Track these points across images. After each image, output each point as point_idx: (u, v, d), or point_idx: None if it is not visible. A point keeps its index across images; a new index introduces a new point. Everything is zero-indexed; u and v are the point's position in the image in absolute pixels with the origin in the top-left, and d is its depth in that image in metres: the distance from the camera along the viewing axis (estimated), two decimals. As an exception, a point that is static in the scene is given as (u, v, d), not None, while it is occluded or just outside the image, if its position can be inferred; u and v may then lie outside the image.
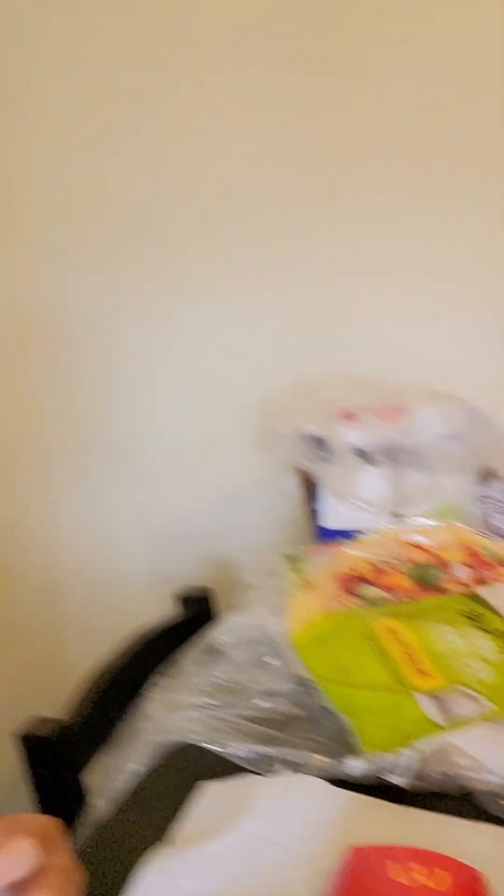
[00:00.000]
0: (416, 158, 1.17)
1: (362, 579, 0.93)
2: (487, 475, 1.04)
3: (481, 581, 0.91)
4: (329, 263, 1.23)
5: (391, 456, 1.02)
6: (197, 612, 1.11)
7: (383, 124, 1.17)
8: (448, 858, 0.49)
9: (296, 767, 0.67)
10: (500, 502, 0.99)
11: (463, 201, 1.17)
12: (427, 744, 0.64)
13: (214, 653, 0.91)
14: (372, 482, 1.02)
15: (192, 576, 1.24)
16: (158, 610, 1.09)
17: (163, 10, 1.21)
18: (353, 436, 1.02)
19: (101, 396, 1.37)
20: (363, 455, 1.02)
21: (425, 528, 0.98)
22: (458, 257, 1.19)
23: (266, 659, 0.85)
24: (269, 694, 0.80)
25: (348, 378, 1.13)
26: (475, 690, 0.71)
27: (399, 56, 1.14)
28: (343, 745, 0.69)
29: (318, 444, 1.06)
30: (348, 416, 1.04)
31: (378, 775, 0.64)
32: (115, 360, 1.35)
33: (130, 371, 1.34)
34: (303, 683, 0.79)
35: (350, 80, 1.16)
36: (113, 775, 0.74)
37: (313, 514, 1.09)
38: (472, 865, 0.56)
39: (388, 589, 0.91)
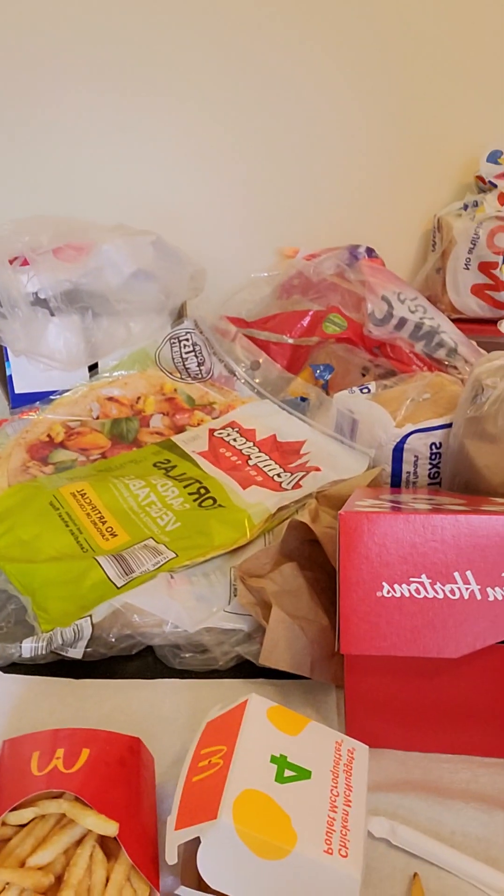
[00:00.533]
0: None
1: (55, 444, 0.86)
2: (180, 314, 0.98)
3: (178, 428, 0.87)
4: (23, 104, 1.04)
5: (75, 302, 0.92)
6: None
7: None
8: (96, 734, 0.46)
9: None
10: (191, 342, 0.94)
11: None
12: (101, 609, 0.60)
13: None
14: (57, 334, 0.91)
15: None
16: None
17: None
18: (28, 283, 0.90)
19: None
20: (43, 304, 0.91)
21: (119, 379, 0.92)
22: (155, 97, 1.06)
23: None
24: None
25: (23, 219, 0.99)
26: (159, 542, 0.67)
27: None
28: (24, 627, 0.63)
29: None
30: (21, 261, 0.91)
31: (54, 652, 0.59)
32: None
33: None
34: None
35: None
36: None
37: (9, 380, 0.98)
38: (149, 724, 0.54)
39: (82, 450, 0.85)
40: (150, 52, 1.05)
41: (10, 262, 0.90)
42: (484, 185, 1.09)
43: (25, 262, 0.91)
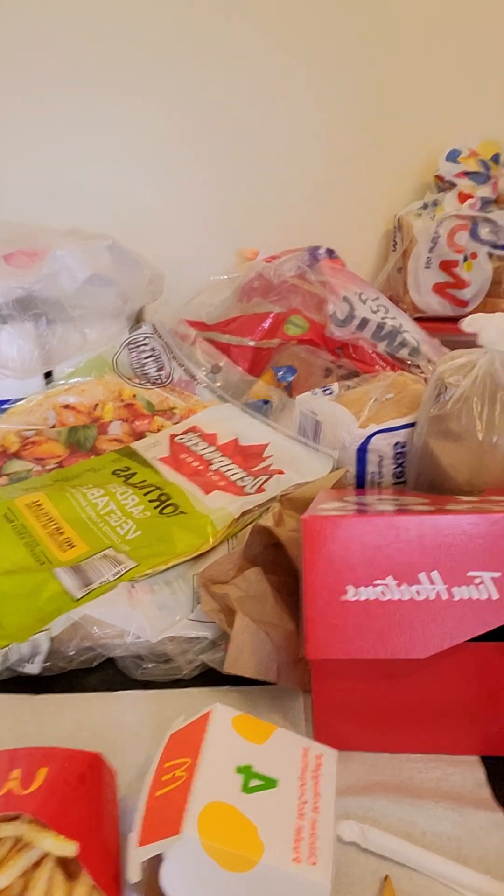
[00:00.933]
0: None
1: (9, 454, 0.84)
2: (138, 319, 0.98)
3: (138, 434, 0.86)
4: None
5: (28, 309, 0.90)
6: None
7: None
8: (54, 752, 0.44)
9: None
10: (150, 347, 0.93)
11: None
12: (59, 622, 0.59)
13: None
14: (10, 342, 0.90)
15: None
16: None
17: None
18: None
19: None
20: (-5, 312, 0.89)
21: (76, 386, 0.91)
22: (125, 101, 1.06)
23: None
24: None
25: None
26: (119, 551, 0.67)
27: None
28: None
29: None
30: (-29, 268, 0.90)
31: (12, 668, 0.58)
32: None
33: None
34: None
35: None
36: None
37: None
38: (112, 738, 0.53)
39: (37, 460, 0.83)
40: (107, 51, 1.05)
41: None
42: (443, 185, 1.11)
43: (-24, 269, 0.90)
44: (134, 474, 0.78)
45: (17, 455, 0.84)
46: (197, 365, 0.94)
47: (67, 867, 0.40)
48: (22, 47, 1.03)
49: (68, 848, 0.38)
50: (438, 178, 1.11)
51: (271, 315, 0.97)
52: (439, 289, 1.07)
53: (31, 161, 1.09)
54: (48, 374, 0.92)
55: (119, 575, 0.63)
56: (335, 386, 0.80)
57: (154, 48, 1.06)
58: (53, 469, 0.81)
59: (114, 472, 0.79)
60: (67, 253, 0.92)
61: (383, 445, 0.73)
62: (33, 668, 0.58)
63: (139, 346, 0.94)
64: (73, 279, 0.92)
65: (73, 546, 0.68)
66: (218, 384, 0.92)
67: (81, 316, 0.92)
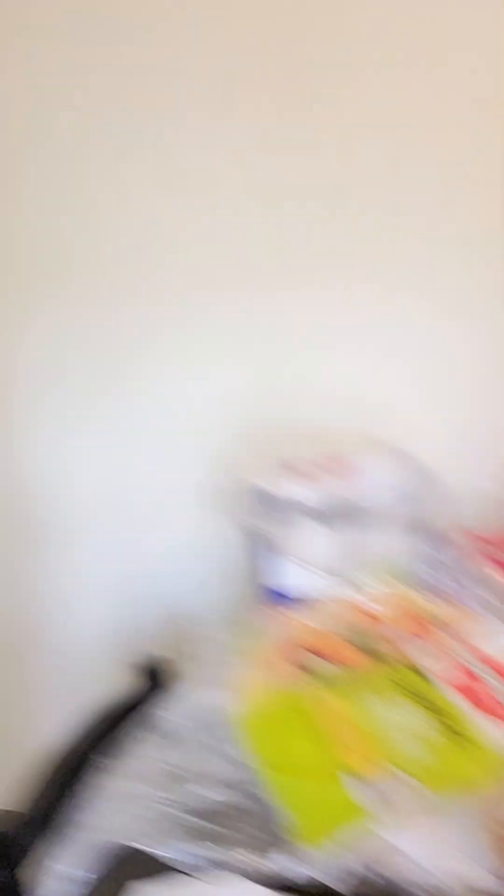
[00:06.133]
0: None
1: (311, 651, 0.95)
2: (434, 536, 1.07)
3: (429, 651, 0.93)
4: (274, 309, 1.25)
5: (340, 514, 1.04)
6: (153, 682, 1.11)
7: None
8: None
9: (230, 868, 0.67)
10: (441, 562, 1.02)
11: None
12: (367, 843, 0.65)
13: (161, 733, 0.91)
14: (319, 542, 1.03)
15: (140, 641, 1.24)
16: (108, 677, 1.08)
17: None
18: (300, 492, 1.04)
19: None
20: (311, 513, 1.04)
21: (374, 595, 1.01)
22: (410, 307, 1.22)
23: (212, 742, 0.86)
24: (215, 782, 0.80)
25: (294, 428, 1.14)
26: (413, 775, 0.72)
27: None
28: (284, 840, 0.69)
29: (265, 499, 1.08)
30: (296, 471, 1.06)
31: (319, 878, 0.65)
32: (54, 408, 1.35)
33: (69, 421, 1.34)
34: (248, 770, 0.80)
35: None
36: (49, 877, 0.74)
37: (260, 573, 1.11)
38: None
39: (336, 661, 0.93)
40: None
41: (287, 470, 1.05)
42: None
43: (299, 472, 1.06)
44: (423, 693, 0.84)
45: (318, 653, 0.94)
46: (489, 585, 1.00)
47: None
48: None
49: None
50: None
51: None
52: None
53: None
54: (347, 579, 1.04)
55: (417, 803, 0.69)
56: None
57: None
58: (350, 675, 0.90)
59: (406, 688, 0.86)
60: (377, 468, 1.06)
61: None
62: (341, 887, 0.63)
63: (431, 559, 1.02)
64: (380, 493, 1.05)
65: (367, 759, 0.75)
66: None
67: (384, 527, 1.04)
